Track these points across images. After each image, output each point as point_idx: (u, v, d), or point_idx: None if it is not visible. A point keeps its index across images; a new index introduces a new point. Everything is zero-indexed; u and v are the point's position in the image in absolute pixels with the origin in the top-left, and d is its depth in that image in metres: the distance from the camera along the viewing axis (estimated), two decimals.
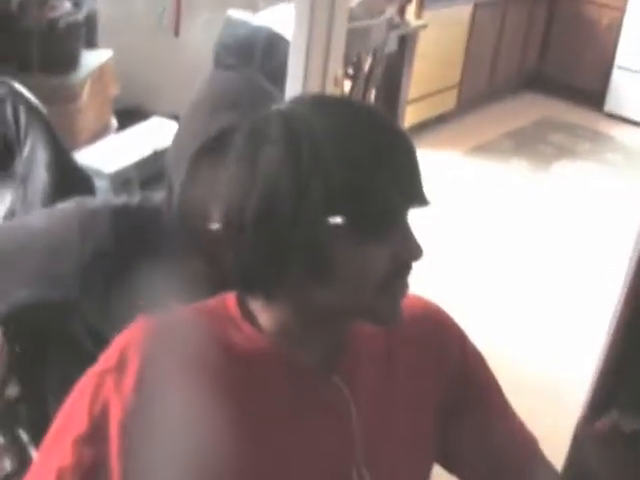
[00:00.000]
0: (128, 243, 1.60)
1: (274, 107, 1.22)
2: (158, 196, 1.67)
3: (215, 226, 1.38)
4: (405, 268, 1.21)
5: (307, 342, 1.27)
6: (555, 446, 1.67)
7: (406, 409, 1.36)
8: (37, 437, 1.59)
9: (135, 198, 1.68)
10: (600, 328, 2.97)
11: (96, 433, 1.18)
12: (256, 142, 1.18)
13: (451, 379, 1.40)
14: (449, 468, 1.47)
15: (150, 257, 1.54)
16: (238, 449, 1.18)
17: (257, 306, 1.27)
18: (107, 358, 1.23)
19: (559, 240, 5.17)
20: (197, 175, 1.51)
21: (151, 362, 1.20)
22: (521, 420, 1.50)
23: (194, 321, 1.28)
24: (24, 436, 1.83)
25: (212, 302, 1.31)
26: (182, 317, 1.29)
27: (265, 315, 1.26)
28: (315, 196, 1.13)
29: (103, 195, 2.60)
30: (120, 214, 1.64)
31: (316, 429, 1.27)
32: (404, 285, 1.24)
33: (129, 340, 1.23)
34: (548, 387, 3.74)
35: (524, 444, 1.48)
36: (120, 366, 1.20)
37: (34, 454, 1.75)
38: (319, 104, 1.23)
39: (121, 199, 1.70)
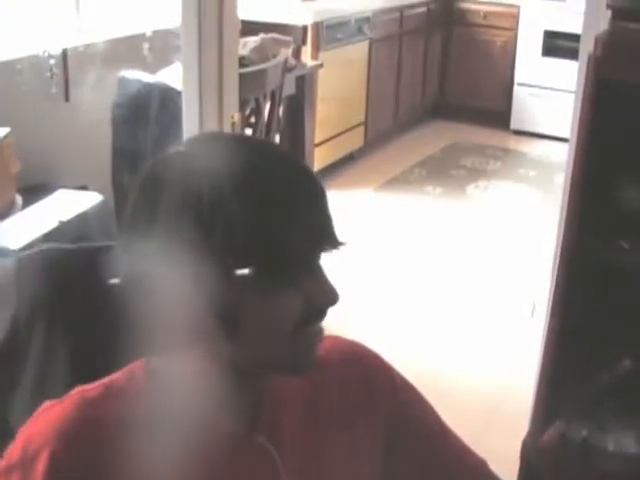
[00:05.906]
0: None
1: (172, 149, 1.15)
2: None
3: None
4: (319, 314, 1.14)
5: (224, 403, 1.18)
6: (505, 466, 1.62)
7: (338, 454, 1.28)
8: None
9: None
10: (533, 343, 2.95)
11: None
12: (154, 187, 1.11)
13: (385, 415, 1.34)
14: None
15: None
16: None
17: (169, 368, 1.18)
18: (11, 453, 1.14)
19: (483, 260, 5.16)
20: None
21: (62, 453, 1.10)
22: (466, 444, 1.45)
23: (104, 404, 1.17)
24: None
25: (120, 377, 1.21)
26: (90, 401, 1.17)
27: (179, 378, 1.17)
28: (217, 243, 1.06)
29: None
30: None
31: None
32: (319, 331, 1.17)
33: (34, 432, 1.13)
34: (490, 408, 3.70)
35: (473, 467, 1.44)
36: (26, 461, 1.11)
37: None
38: (219, 143, 1.17)
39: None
